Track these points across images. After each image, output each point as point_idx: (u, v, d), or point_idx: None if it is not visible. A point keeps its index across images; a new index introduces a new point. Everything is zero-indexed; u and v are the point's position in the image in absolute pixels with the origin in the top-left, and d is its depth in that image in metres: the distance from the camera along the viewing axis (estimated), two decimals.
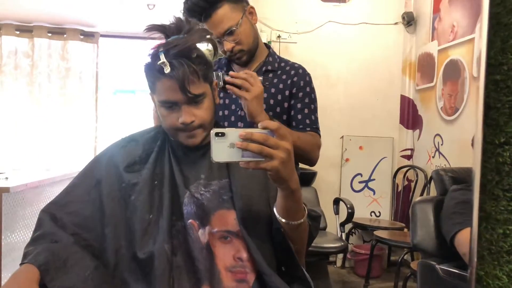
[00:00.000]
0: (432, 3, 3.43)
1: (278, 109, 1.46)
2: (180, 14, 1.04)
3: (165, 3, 3.54)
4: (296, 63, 1.54)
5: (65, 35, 4.01)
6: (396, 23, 3.76)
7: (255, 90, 1.21)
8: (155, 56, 0.95)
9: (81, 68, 4.09)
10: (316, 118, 1.49)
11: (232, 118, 1.46)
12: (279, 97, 1.46)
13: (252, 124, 1.27)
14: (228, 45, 1.40)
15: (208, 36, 1.02)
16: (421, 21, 3.63)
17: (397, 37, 3.76)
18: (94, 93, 4.14)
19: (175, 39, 0.96)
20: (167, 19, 1.03)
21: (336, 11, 3.73)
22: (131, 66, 4.34)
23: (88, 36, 4.09)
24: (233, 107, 1.47)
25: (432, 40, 3.41)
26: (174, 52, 0.93)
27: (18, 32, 4.00)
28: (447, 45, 3.17)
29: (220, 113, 1.48)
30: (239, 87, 1.21)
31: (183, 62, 0.92)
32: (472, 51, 2.84)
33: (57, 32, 4.01)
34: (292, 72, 1.49)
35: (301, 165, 1.54)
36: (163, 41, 0.99)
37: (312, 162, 1.47)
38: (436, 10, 3.37)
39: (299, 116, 1.46)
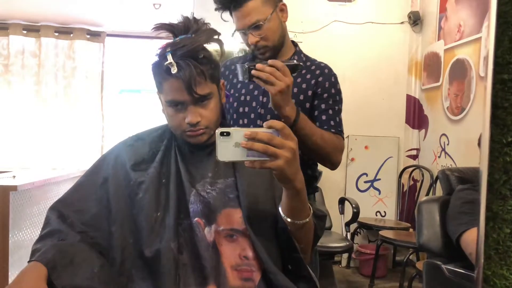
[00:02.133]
0: (438, 2, 3.42)
1: (299, 109, 1.43)
2: (188, 13, 1.04)
3: (171, 2, 3.55)
4: (323, 63, 1.49)
5: (71, 35, 4.03)
6: (402, 23, 3.74)
7: (279, 84, 1.17)
8: (162, 56, 0.96)
9: (87, 68, 4.11)
10: (341, 121, 1.45)
11: (252, 116, 1.44)
12: (301, 97, 1.42)
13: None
14: (252, 38, 1.36)
15: (215, 37, 1.03)
16: (427, 21, 3.61)
17: (403, 36, 3.75)
18: (100, 92, 4.16)
19: (183, 39, 0.97)
20: (173, 19, 1.03)
21: (342, 11, 3.72)
22: (137, 65, 4.35)
23: (95, 35, 4.11)
24: (253, 104, 1.44)
25: (438, 40, 3.40)
26: (181, 53, 0.93)
27: (25, 32, 4.02)
28: (453, 44, 3.16)
29: (241, 109, 1.45)
30: (265, 80, 1.18)
31: (190, 63, 0.93)
32: (479, 50, 2.83)
33: (64, 31, 4.03)
34: (318, 72, 1.44)
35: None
36: (171, 40, 0.99)
37: (333, 165, 1.42)
38: (443, 9, 3.35)
39: (324, 117, 1.41)
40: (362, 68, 3.70)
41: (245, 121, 1.45)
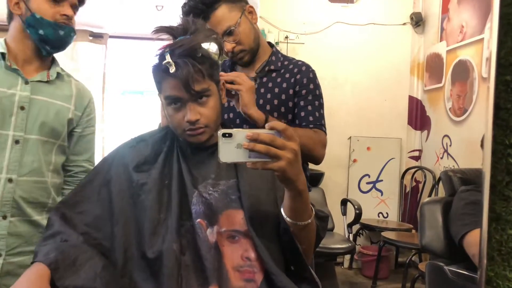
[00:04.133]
0: (440, 3, 3.42)
1: (283, 109, 1.45)
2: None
3: (174, 4, 3.56)
4: (300, 61, 1.51)
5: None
6: (404, 24, 3.74)
7: (246, 83, 1.25)
8: (161, 56, 0.97)
9: (89, 69, 4.12)
10: (321, 115, 1.46)
11: (237, 121, 1.46)
12: (283, 96, 1.44)
13: (256, 126, 1.27)
14: (228, 45, 1.40)
15: (213, 36, 1.03)
16: (430, 22, 3.61)
17: (406, 37, 3.75)
18: (102, 93, 4.17)
19: (181, 39, 0.98)
20: (175, 20, 1.04)
21: (344, 12, 3.72)
22: (139, 67, 4.36)
23: (97, 37, 4.12)
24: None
25: (440, 41, 3.40)
26: (179, 52, 0.94)
27: None
28: (455, 45, 3.15)
29: (225, 116, 1.47)
30: (232, 83, 1.24)
31: (188, 61, 0.94)
32: (481, 51, 2.82)
33: None
34: (296, 70, 1.46)
35: (309, 165, 1.53)
36: (171, 42, 1.00)
37: (317, 160, 1.43)
38: (445, 10, 3.35)
39: (302, 114, 1.43)
40: (364, 69, 3.70)
41: (232, 127, 1.46)
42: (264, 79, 1.47)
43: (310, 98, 1.44)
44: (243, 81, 1.25)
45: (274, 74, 1.47)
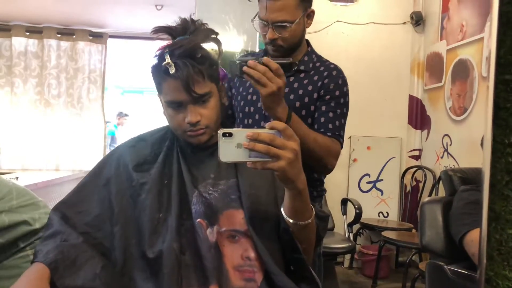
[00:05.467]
0: (441, 2, 3.41)
1: (303, 112, 1.37)
2: (186, 15, 1.04)
3: (173, 3, 3.56)
4: (333, 64, 1.43)
5: (74, 36, 4.04)
6: (404, 23, 3.74)
7: (271, 86, 1.12)
8: (161, 57, 0.96)
9: (89, 69, 4.12)
10: (342, 125, 1.38)
11: (257, 116, 1.41)
12: (306, 99, 1.37)
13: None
14: (272, 34, 1.32)
15: (213, 36, 1.03)
16: (430, 21, 3.60)
17: (406, 36, 3.74)
18: (102, 93, 4.18)
19: (180, 40, 0.98)
20: (175, 20, 1.04)
21: (344, 11, 3.72)
22: (139, 66, 4.37)
23: (97, 36, 4.13)
24: (259, 104, 1.39)
25: (440, 40, 3.39)
26: (179, 53, 0.94)
27: (28, 33, 4.04)
28: (456, 44, 3.15)
29: (247, 109, 1.43)
30: (256, 80, 1.13)
31: (188, 62, 0.93)
32: (481, 50, 2.82)
33: (66, 33, 4.04)
34: (325, 73, 1.38)
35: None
36: (170, 42, 1.00)
37: (325, 170, 1.37)
38: (445, 9, 3.35)
39: (322, 119, 1.35)
40: (364, 68, 3.70)
41: (250, 121, 1.43)
42: (291, 79, 1.40)
43: (333, 104, 1.36)
44: (268, 82, 1.12)
45: (302, 75, 1.40)
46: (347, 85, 1.41)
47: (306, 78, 1.40)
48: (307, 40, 1.47)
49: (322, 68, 1.41)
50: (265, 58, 1.13)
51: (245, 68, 1.11)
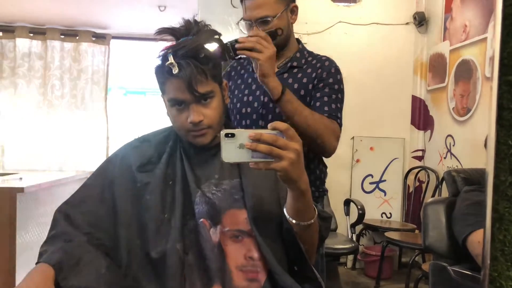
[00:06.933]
0: (443, 2, 3.41)
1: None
2: (189, 16, 1.04)
3: (176, 4, 3.57)
4: (325, 56, 1.46)
5: (77, 37, 4.06)
6: (407, 23, 3.73)
7: (268, 50, 1.19)
8: (164, 57, 0.97)
9: (92, 70, 4.14)
10: (338, 108, 1.37)
11: (254, 116, 1.43)
12: (302, 92, 1.39)
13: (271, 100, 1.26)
14: (256, 31, 1.32)
15: (216, 37, 1.03)
16: (433, 21, 3.60)
17: (409, 37, 3.74)
18: (105, 94, 4.19)
19: (183, 41, 0.98)
20: (178, 21, 1.05)
21: (347, 12, 3.72)
22: (142, 67, 4.38)
23: (100, 38, 4.14)
24: (255, 104, 1.43)
25: (443, 40, 3.39)
26: (182, 53, 0.95)
27: (31, 35, 4.06)
28: (459, 45, 3.14)
29: (243, 110, 1.45)
30: (250, 50, 1.18)
31: (191, 62, 0.94)
32: (485, 51, 2.81)
33: (70, 34, 4.06)
34: (318, 64, 1.42)
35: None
36: (174, 43, 1.00)
37: (327, 151, 1.34)
38: (448, 10, 3.34)
39: (318, 104, 1.36)
40: (367, 69, 3.69)
41: (248, 122, 1.45)
42: (285, 75, 1.42)
43: (327, 90, 1.38)
44: (263, 47, 1.18)
45: (295, 70, 1.43)
46: (340, 74, 1.43)
47: (300, 73, 1.43)
48: (298, 39, 1.52)
49: (314, 61, 1.44)
50: (253, 29, 1.21)
51: (238, 43, 1.18)
